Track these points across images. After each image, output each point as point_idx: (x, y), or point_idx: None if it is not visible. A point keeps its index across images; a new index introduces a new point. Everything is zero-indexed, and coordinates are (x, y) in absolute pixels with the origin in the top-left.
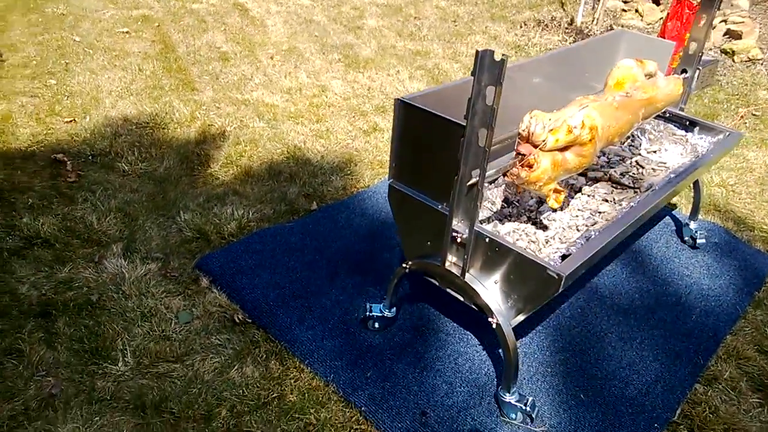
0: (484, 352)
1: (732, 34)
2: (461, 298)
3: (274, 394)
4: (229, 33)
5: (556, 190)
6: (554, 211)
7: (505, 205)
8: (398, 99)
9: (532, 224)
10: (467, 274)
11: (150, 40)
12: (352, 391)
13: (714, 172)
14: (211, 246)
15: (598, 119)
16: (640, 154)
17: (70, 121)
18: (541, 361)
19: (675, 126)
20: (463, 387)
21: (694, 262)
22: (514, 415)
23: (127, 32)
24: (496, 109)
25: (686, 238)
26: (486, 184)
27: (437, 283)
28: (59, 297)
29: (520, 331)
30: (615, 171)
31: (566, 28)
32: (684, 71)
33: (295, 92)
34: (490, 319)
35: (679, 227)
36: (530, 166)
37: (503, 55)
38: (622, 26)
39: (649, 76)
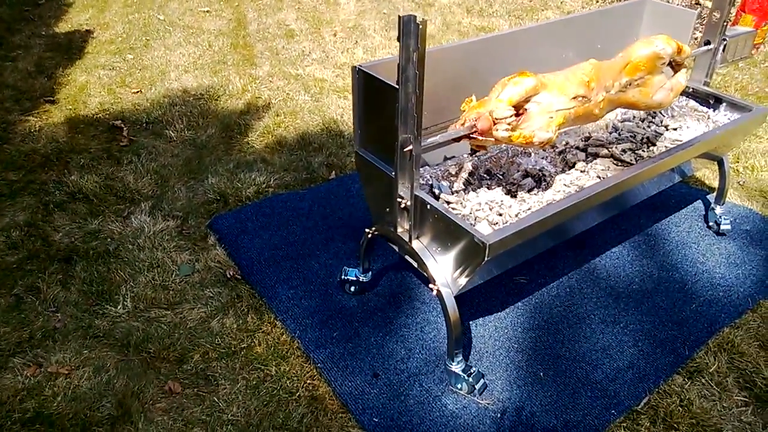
0: None
1: None
2: (415, 265)
3: (244, 345)
4: (301, 11)
5: (482, 146)
6: (537, 187)
7: (486, 177)
8: (355, 66)
9: (511, 197)
10: (414, 241)
11: (227, 19)
12: (315, 348)
13: None
14: (227, 208)
15: (566, 125)
16: (655, 131)
17: (137, 92)
18: (509, 337)
19: (698, 102)
20: (422, 354)
21: (714, 250)
22: (460, 386)
23: (207, 11)
24: (418, 74)
25: (710, 224)
26: (465, 155)
27: (398, 250)
28: (84, 245)
29: (496, 305)
30: (616, 147)
31: None
32: (707, 42)
33: (348, 68)
34: (431, 286)
35: (708, 211)
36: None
37: (423, 19)
38: None
39: (676, 63)
